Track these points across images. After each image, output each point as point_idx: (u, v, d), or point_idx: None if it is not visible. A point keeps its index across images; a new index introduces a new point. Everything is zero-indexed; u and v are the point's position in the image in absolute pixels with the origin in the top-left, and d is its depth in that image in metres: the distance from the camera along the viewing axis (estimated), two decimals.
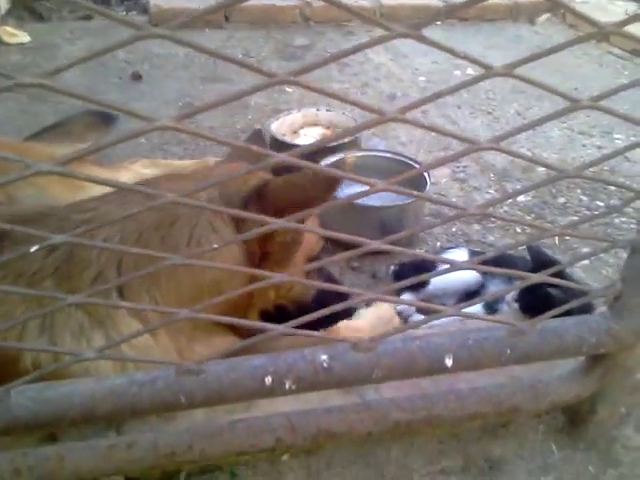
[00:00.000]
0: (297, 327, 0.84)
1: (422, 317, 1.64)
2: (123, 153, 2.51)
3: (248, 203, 1.19)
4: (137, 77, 3.19)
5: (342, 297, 1.19)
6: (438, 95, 0.77)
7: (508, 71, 0.77)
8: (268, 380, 0.92)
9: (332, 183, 1.12)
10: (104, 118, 2.63)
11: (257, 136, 1.72)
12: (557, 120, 3.02)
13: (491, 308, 1.66)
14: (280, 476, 1.25)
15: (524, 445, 1.31)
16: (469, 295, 1.74)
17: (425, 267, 1.83)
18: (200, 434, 0.99)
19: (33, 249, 0.74)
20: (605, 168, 2.56)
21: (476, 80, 0.77)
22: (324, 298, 1.35)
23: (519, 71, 0.77)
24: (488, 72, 0.77)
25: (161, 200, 0.73)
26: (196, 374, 0.90)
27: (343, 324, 1.42)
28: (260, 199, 1.19)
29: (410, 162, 2.12)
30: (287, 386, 0.93)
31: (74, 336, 1.03)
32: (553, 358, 1.04)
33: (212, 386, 0.90)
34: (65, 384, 0.89)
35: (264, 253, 1.23)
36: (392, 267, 1.91)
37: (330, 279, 1.51)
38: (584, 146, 2.75)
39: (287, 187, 1.20)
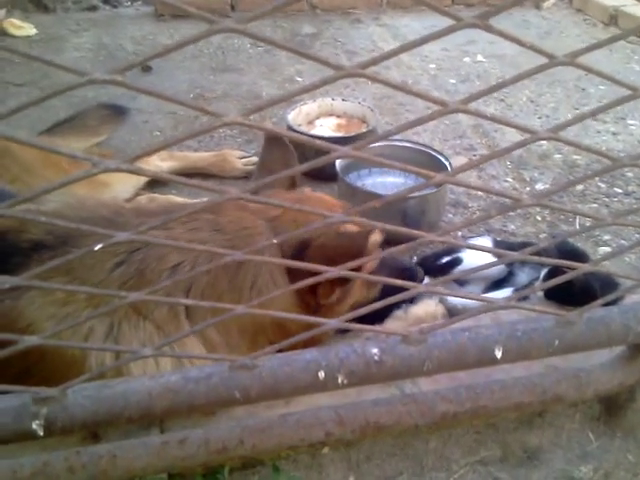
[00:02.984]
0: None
1: (462, 301, 1.64)
2: (138, 146, 2.50)
3: (301, 250, 1.21)
4: (147, 69, 3.17)
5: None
6: (502, 85, 0.76)
7: (570, 60, 0.77)
8: (321, 374, 0.92)
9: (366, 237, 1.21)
10: (117, 111, 2.61)
11: (275, 139, 1.58)
12: (569, 106, 3.02)
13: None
14: (321, 469, 1.25)
15: (561, 434, 1.32)
16: (497, 283, 1.74)
17: (447, 255, 1.83)
18: (251, 429, 0.99)
19: (97, 247, 0.73)
20: (621, 154, 2.55)
21: (540, 69, 0.76)
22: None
23: (581, 59, 0.77)
24: (551, 61, 0.76)
25: (231, 257, 0.73)
26: (250, 369, 0.90)
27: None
28: (310, 248, 1.23)
29: (431, 152, 2.11)
30: (340, 380, 0.93)
31: (142, 345, 1.04)
32: (599, 347, 1.04)
33: (266, 381, 0.91)
34: (121, 382, 0.89)
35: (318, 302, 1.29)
36: (415, 258, 1.91)
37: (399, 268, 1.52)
38: (599, 132, 2.74)
39: (336, 246, 1.23)
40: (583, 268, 0.96)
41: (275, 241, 0.79)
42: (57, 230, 1.18)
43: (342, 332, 1.50)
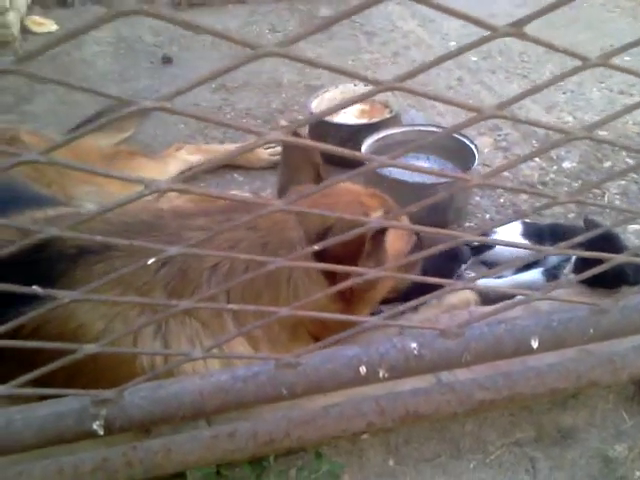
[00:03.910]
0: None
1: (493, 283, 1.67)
2: (165, 140, 2.54)
3: (325, 235, 1.25)
4: (168, 60, 3.20)
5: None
6: (537, 89, 0.78)
7: (604, 61, 0.78)
8: (363, 370, 0.96)
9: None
10: None
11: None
12: (594, 79, 2.98)
13: (552, 275, 1.67)
14: (361, 453, 1.30)
15: (595, 414, 1.34)
16: (527, 265, 1.75)
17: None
18: (296, 421, 1.04)
19: (150, 261, 0.77)
20: None
21: (572, 73, 0.78)
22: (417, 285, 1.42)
23: (614, 60, 0.78)
24: (585, 64, 0.78)
25: (270, 266, 0.75)
26: (294, 367, 0.94)
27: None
28: (332, 232, 1.25)
29: (457, 136, 2.11)
30: (381, 374, 0.96)
31: (189, 341, 1.09)
32: (634, 334, 1.06)
33: (311, 377, 0.95)
34: (174, 383, 0.93)
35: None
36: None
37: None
38: (625, 105, 2.71)
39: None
40: (617, 259, 0.97)
41: (316, 247, 0.82)
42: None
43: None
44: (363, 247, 1.23)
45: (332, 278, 1.29)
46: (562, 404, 1.35)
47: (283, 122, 2.57)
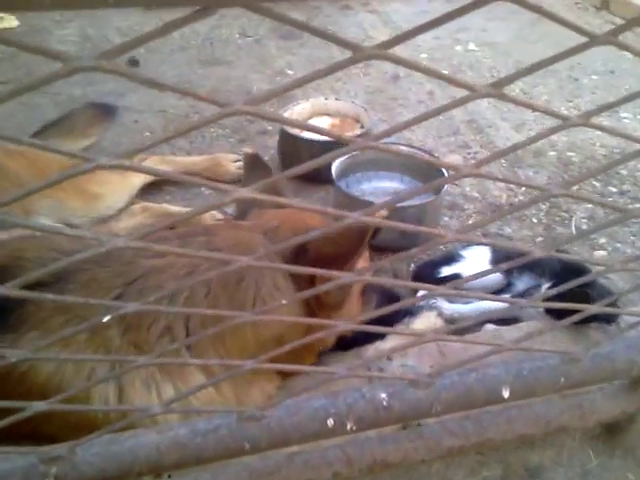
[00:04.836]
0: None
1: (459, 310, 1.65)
2: (128, 149, 2.45)
3: (297, 255, 1.19)
4: (134, 63, 3.10)
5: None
6: (514, 148, 0.75)
7: (584, 121, 0.75)
8: (330, 422, 0.92)
9: (364, 234, 1.18)
10: (105, 110, 2.57)
11: (255, 162, 1.55)
12: (563, 98, 3.00)
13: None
14: None
15: (562, 452, 1.33)
16: (495, 293, 1.74)
17: (446, 263, 1.84)
18: (259, 472, 0.99)
19: (105, 319, 0.72)
20: (616, 150, 2.56)
21: (555, 131, 0.75)
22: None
23: (594, 120, 0.76)
24: (565, 123, 0.75)
25: (235, 265, 0.71)
26: (258, 420, 0.89)
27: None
28: (305, 251, 1.21)
29: (427, 155, 2.09)
30: (349, 427, 0.93)
31: (144, 385, 1.04)
32: (602, 382, 1.05)
33: (275, 431, 0.90)
34: (129, 437, 0.88)
35: (320, 302, 1.26)
36: (413, 265, 1.91)
37: (386, 293, 1.52)
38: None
39: (327, 239, 1.21)
40: (593, 309, 0.95)
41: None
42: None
43: (343, 348, 1.50)
44: (362, 243, 1.19)
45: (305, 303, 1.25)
46: (530, 442, 1.34)
47: (248, 149, 2.48)
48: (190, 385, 1.10)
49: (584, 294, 1.30)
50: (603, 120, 2.80)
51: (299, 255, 1.22)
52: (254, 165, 1.50)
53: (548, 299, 1.20)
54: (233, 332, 1.14)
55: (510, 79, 0.68)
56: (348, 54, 0.62)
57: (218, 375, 1.17)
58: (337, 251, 1.18)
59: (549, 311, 1.61)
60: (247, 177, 1.50)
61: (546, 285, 1.50)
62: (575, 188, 2.33)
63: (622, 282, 1.77)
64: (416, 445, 1.05)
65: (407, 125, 0.66)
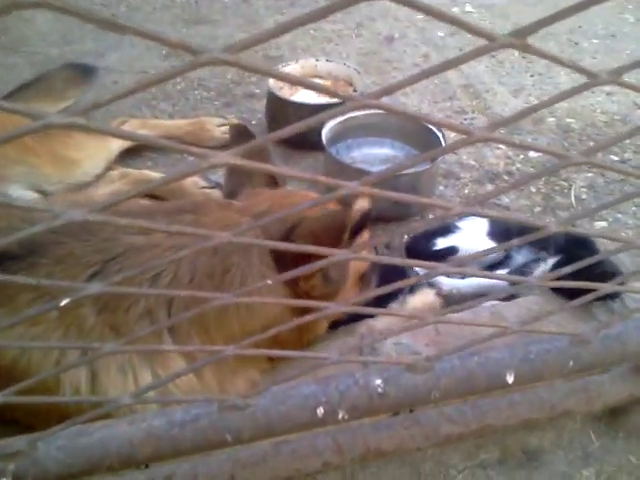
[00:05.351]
0: None
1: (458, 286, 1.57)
2: (107, 111, 2.33)
3: (286, 238, 1.10)
4: None
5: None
6: (533, 109, 0.66)
7: (614, 78, 0.66)
8: (320, 411, 0.84)
9: (342, 230, 1.10)
10: (84, 71, 2.42)
11: (242, 133, 1.44)
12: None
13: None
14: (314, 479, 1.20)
15: (562, 435, 1.27)
16: (493, 265, 1.66)
17: (441, 235, 1.75)
18: (243, 462, 0.92)
19: (63, 302, 0.63)
20: (616, 117, 2.46)
21: (579, 90, 0.66)
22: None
23: (625, 77, 0.67)
24: (592, 80, 0.66)
25: (215, 241, 0.62)
26: (242, 409, 0.81)
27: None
28: (297, 238, 1.12)
29: (422, 122, 1.99)
30: (340, 416, 0.85)
31: (120, 370, 0.96)
32: (612, 365, 0.98)
33: (260, 421, 0.82)
34: (99, 428, 0.80)
35: (311, 294, 1.17)
36: (405, 237, 1.83)
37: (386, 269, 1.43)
38: (593, 92, 2.63)
39: (320, 225, 1.12)
40: (606, 288, 0.88)
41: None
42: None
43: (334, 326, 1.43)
44: (344, 232, 1.10)
45: (292, 286, 1.17)
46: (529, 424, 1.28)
47: (234, 119, 2.33)
48: (170, 372, 1.02)
49: (603, 273, 1.22)
50: (605, 86, 2.70)
51: (286, 240, 1.12)
52: (241, 137, 1.39)
53: (560, 277, 1.12)
54: (218, 321, 1.07)
55: (533, 28, 0.58)
56: (337, 18, 0.52)
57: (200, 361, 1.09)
58: (325, 231, 1.10)
59: (557, 289, 1.53)
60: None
61: (551, 260, 1.42)
62: (574, 154, 2.24)
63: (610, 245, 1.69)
64: (412, 432, 0.98)
65: (413, 81, 0.57)
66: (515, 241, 0.81)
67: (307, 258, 0.72)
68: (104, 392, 0.98)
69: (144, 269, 0.85)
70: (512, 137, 2.38)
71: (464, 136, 0.63)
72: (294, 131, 0.55)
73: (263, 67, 0.51)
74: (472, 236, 1.70)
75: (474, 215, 1.75)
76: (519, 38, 0.57)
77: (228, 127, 1.46)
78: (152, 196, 1.65)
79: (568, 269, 0.83)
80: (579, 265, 0.83)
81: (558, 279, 0.83)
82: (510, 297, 1.49)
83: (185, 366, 1.04)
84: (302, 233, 1.12)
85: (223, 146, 2.15)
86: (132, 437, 0.79)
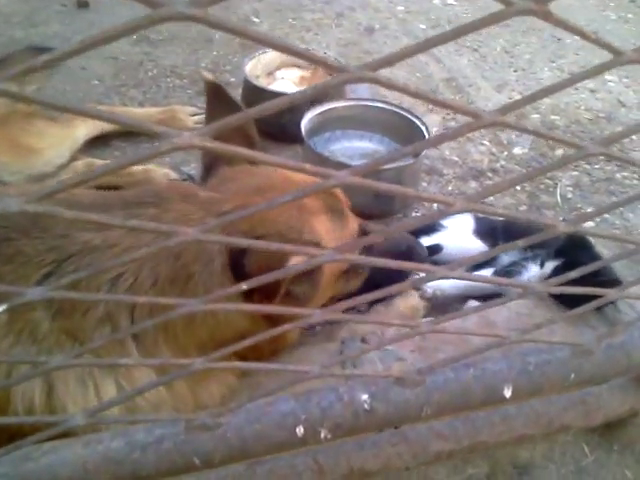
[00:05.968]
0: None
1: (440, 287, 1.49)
2: (75, 97, 2.20)
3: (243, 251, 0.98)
4: (83, 4, 2.80)
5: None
6: (533, 98, 0.57)
7: (639, 55, 0.58)
8: (300, 430, 0.75)
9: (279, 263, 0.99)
10: None
11: (218, 94, 1.25)
12: (546, 58, 2.84)
13: (504, 276, 1.51)
14: None
15: (554, 448, 1.20)
16: (477, 265, 1.59)
17: (425, 233, 1.67)
18: None
19: (1, 309, 0.53)
20: (601, 115, 2.41)
21: (603, 68, 0.58)
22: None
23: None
24: (617, 58, 0.58)
25: (178, 239, 0.52)
26: (211, 429, 0.72)
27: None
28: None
29: (405, 114, 1.91)
30: (322, 435, 0.76)
31: (80, 382, 0.85)
32: (616, 377, 0.91)
33: (232, 442, 0.73)
34: (47, 451, 0.69)
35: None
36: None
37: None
38: (576, 89, 2.58)
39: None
40: (612, 295, 0.80)
41: (244, 286, 0.60)
42: None
43: (311, 329, 1.34)
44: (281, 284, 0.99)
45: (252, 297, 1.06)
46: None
47: (208, 74, 2.23)
48: (136, 383, 0.91)
49: (606, 281, 1.14)
50: (588, 82, 2.65)
51: (242, 254, 0.98)
52: (217, 98, 1.23)
53: (562, 284, 1.03)
54: (187, 328, 0.97)
55: None
56: (316, 1, 0.44)
57: (170, 371, 0.99)
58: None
59: (555, 296, 1.44)
60: (210, 113, 1.24)
61: (551, 263, 1.34)
62: (559, 153, 2.19)
63: (606, 250, 1.63)
64: (399, 450, 0.89)
65: (418, 50, 0.48)
66: (520, 242, 0.73)
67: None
68: (62, 406, 0.88)
69: (100, 270, 0.75)
70: (481, 135, 2.26)
71: (456, 127, 0.54)
72: (272, 109, 0.45)
73: (236, 26, 0.41)
74: (457, 234, 1.63)
75: (472, 212, 1.69)
76: (539, 3, 0.48)
77: (204, 84, 1.26)
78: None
79: (574, 274, 0.75)
80: (583, 271, 0.76)
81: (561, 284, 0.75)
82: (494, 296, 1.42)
83: (153, 375, 0.94)
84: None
85: None
86: (86, 461, 0.69)
